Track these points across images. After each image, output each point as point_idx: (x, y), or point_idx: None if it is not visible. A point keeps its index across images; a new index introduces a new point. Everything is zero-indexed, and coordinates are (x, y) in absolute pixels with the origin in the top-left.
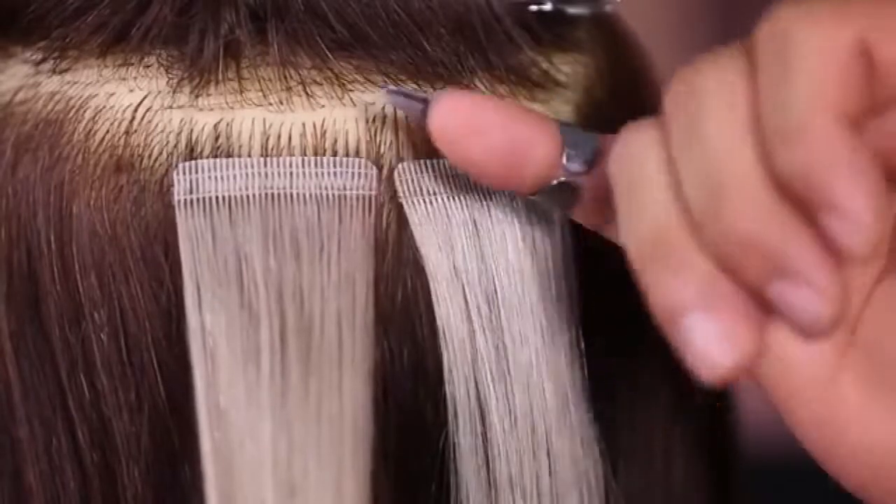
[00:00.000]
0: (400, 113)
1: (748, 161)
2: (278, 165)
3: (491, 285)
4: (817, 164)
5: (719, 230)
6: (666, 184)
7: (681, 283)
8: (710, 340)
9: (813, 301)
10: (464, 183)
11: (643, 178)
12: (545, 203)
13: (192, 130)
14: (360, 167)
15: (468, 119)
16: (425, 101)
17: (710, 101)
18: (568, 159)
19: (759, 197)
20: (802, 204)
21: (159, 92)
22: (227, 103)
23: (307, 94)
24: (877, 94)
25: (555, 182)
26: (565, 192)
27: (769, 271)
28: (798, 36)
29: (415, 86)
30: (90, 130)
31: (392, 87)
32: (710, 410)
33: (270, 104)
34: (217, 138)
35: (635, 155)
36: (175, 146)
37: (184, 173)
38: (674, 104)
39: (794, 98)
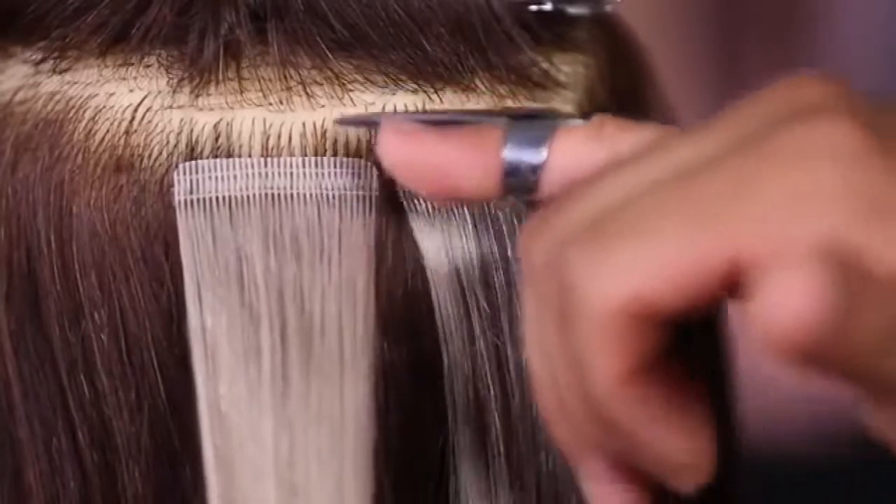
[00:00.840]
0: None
1: (578, 398)
2: (278, 165)
3: (491, 285)
4: (619, 425)
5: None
6: None
7: (579, 461)
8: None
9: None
10: None
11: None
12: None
13: (192, 130)
14: (360, 167)
15: (403, 151)
16: (376, 125)
17: (529, 342)
18: (507, 188)
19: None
20: None
21: (159, 92)
22: (227, 103)
23: (307, 94)
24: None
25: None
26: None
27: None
28: (577, 303)
29: (415, 86)
30: (90, 130)
31: (340, 117)
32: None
33: (270, 104)
34: (217, 138)
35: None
36: (175, 146)
37: (184, 173)
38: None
39: (584, 364)
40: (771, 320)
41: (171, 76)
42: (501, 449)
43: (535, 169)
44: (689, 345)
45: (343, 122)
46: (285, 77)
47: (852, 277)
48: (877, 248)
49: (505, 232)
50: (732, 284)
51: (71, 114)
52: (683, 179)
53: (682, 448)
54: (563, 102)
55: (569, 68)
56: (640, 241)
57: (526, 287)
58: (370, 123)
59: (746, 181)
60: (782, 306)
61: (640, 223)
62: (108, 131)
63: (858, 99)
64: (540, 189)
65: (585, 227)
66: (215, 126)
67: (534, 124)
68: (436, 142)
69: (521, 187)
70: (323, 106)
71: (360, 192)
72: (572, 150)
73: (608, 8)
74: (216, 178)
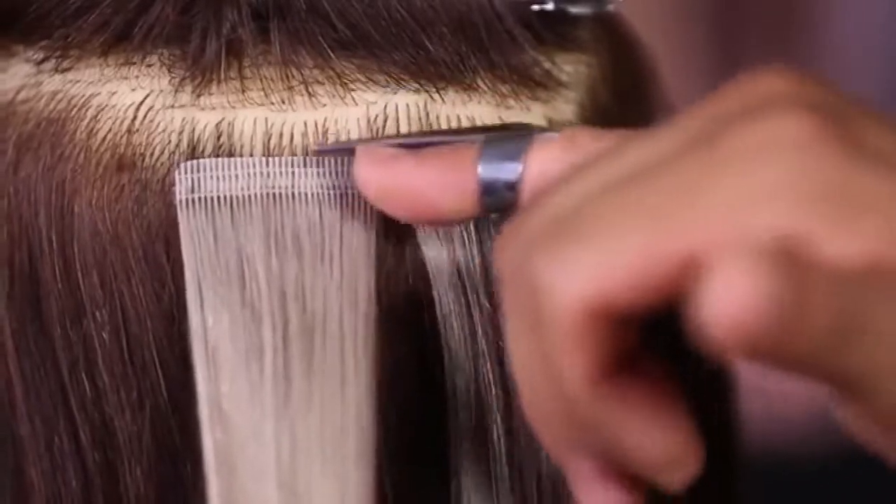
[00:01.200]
0: (403, 113)
1: (553, 399)
2: (280, 165)
3: (491, 284)
4: (592, 421)
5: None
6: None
7: (565, 464)
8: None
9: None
10: None
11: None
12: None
13: (193, 129)
14: None
15: (379, 178)
16: (352, 153)
17: (510, 347)
18: (486, 206)
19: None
20: None
21: (161, 91)
22: (229, 102)
23: (309, 93)
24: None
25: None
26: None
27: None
28: (543, 304)
29: (416, 85)
30: (92, 129)
31: (317, 147)
32: (710, 410)
33: (272, 103)
34: (219, 137)
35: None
36: (177, 145)
37: (185, 172)
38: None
39: (556, 367)
40: (713, 315)
41: (173, 75)
42: (503, 449)
43: (512, 185)
44: (688, 353)
45: (320, 152)
46: (287, 76)
47: (802, 269)
48: (828, 236)
49: None
50: (686, 282)
51: (73, 113)
52: (639, 180)
53: (661, 444)
54: (565, 102)
55: (571, 68)
56: (596, 242)
57: (503, 296)
58: (346, 151)
59: (699, 178)
60: (723, 301)
61: (596, 224)
62: (110, 130)
63: (820, 90)
64: (519, 205)
65: (547, 231)
66: (217, 125)
67: (507, 141)
68: (411, 166)
69: (499, 204)
70: (325, 105)
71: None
72: (547, 164)
73: (610, 7)
74: (217, 177)
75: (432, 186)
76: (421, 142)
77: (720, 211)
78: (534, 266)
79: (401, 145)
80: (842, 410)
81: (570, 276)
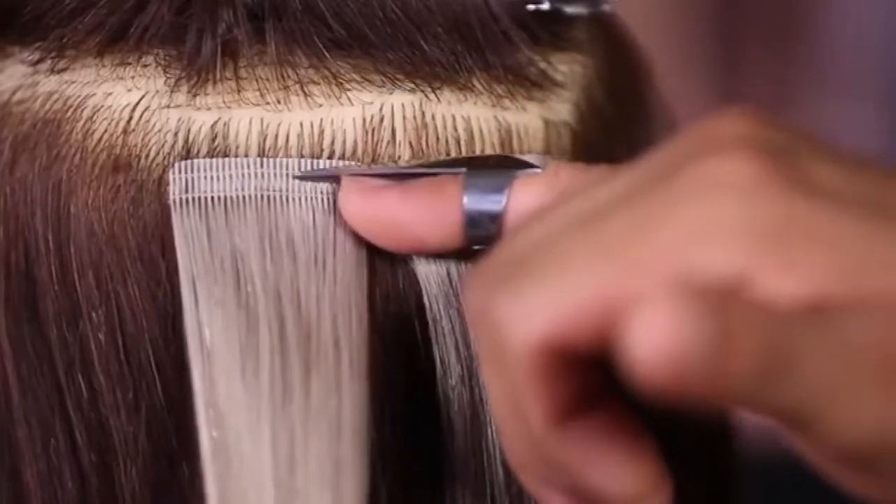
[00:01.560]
0: (398, 113)
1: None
2: (275, 167)
3: None
4: (554, 462)
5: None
6: None
7: (530, 486)
8: None
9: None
10: None
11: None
12: None
13: (189, 130)
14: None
15: (364, 208)
16: (337, 181)
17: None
18: (470, 239)
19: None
20: None
21: (157, 91)
22: (224, 103)
23: (305, 93)
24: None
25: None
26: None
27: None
28: (502, 345)
29: (412, 85)
30: (88, 130)
31: (299, 173)
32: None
33: (268, 104)
34: (214, 138)
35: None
36: (172, 146)
37: (180, 172)
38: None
39: (523, 409)
40: (635, 356)
41: (168, 76)
42: (496, 452)
43: (495, 218)
44: None
45: (305, 177)
46: (283, 77)
47: (732, 307)
48: (770, 274)
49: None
50: (623, 322)
51: (69, 113)
52: (600, 217)
53: (627, 481)
54: (560, 102)
55: (566, 68)
56: (550, 281)
57: (473, 337)
58: (332, 177)
59: (653, 215)
60: (643, 341)
61: (551, 264)
62: (105, 131)
63: (773, 131)
64: (500, 238)
65: (508, 270)
66: (213, 125)
67: (492, 174)
68: (396, 198)
69: (482, 237)
70: (320, 105)
71: None
72: (529, 199)
73: (606, 8)
74: (212, 177)
75: (418, 219)
76: (406, 172)
77: (666, 248)
78: (496, 305)
79: (385, 175)
80: (791, 441)
81: (527, 314)
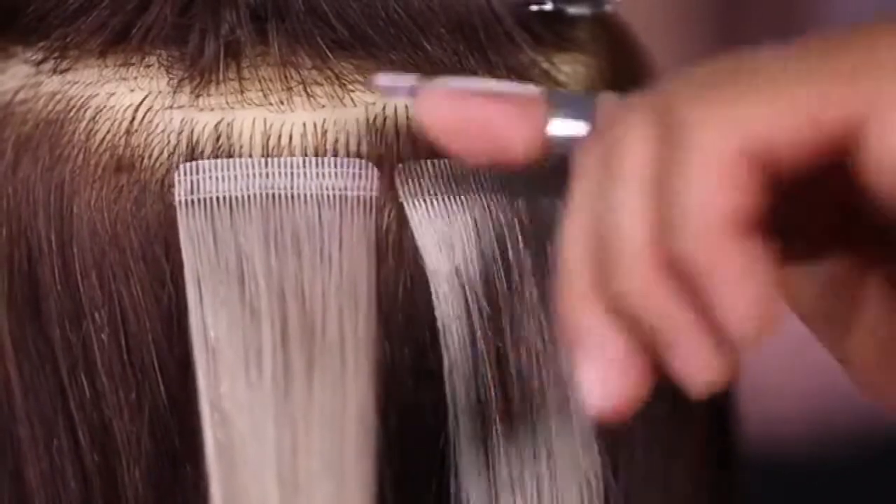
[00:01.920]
0: (402, 113)
1: (643, 237)
2: (279, 166)
3: (491, 285)
4: (703, 266)
5: (610, 295)
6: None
7: (580, 317)
8: (591, 383)
9: (691, 372)
10: (464, 183)
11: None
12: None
13: (192, 130)
14: (360, 168)
15: (449, 110)
16: (413, 93)
17: (620, 166)
18: (550, 157)
19: (647, 275)
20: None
21: (160, 92)
22: (227, 103)
23: (308, 94)
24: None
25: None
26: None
27: (654, 340)
28: (692, 135)
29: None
30: (91, 130)
31: (379, 81)
32: (710, 410)
33: (271, 104)
34: (218, 138)
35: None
36: (176, 146)
37: (185, 174)
38: (588, 164)
39: (685, 198)
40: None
41: (171, 76)
42: (502, 450)
43: (578, 141)
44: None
45: (377, 87)
46: (286, 77)
47: None
48: None
49: (506, 233)
50: (847, 141)
51: (71, 114)
52: (812, 50)
53: (758, 304)
54: None
55: (569, 68)
56: (763, 89)
57: (590, 146)
58: (404, 90)
59: (874, 47)
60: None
61: (767, 76)
62: (108, 131)
63: None
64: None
65: (716, 78)
66: (216, 126)
67: (575, 97)
68: (484, 103)
69: (558, 157)
70: (323, 106)
71: (361, 193)
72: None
73: (608, 8)
74: (217, 178)
75: (505, 127)
76: (482, 90)
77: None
78: (684, 105)
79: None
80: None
81: (734, 117)
